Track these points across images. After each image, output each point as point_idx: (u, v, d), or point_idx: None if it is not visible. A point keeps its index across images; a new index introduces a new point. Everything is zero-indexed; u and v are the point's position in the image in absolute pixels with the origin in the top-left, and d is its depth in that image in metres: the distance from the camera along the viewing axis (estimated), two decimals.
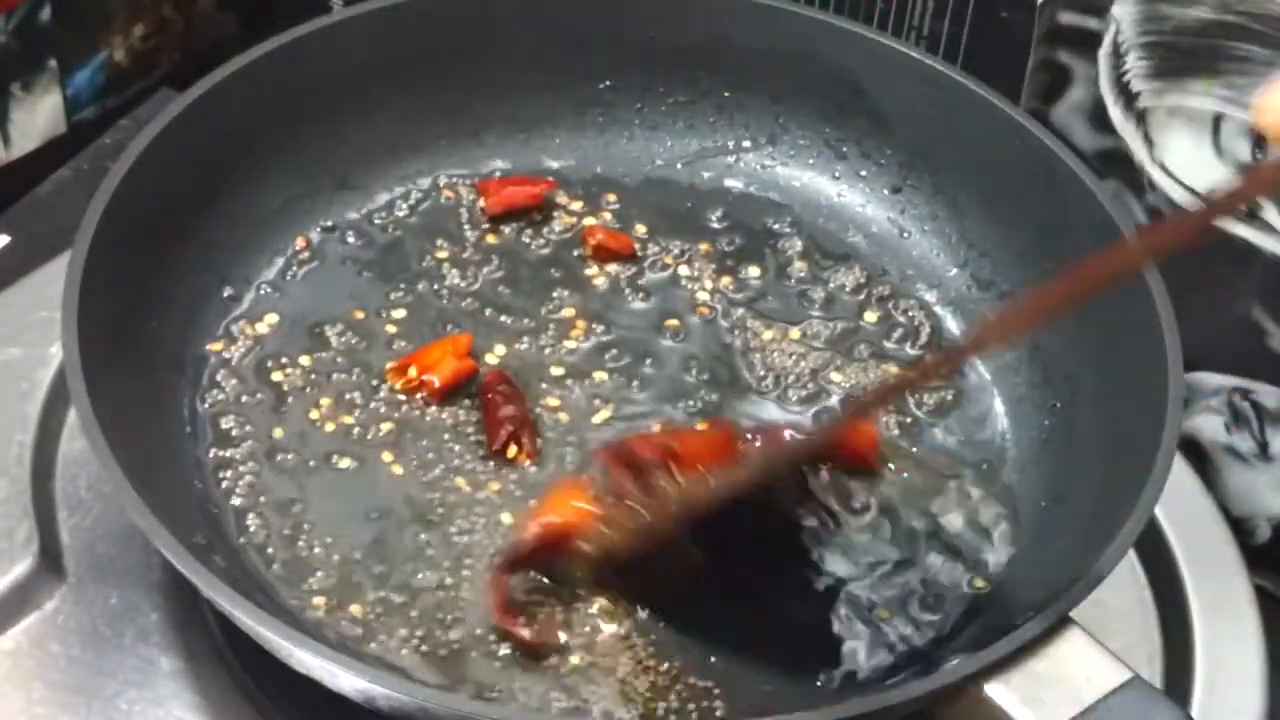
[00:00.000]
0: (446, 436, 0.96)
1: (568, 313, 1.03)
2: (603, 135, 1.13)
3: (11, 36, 1.14)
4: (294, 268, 1.04)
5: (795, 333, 1.04)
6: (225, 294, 1.01)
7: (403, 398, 0.97)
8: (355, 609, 0.88)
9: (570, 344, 1.02)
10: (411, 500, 0.93)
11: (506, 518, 0.92)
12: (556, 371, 1.00)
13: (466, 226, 1.08)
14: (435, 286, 1.04)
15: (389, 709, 0.78)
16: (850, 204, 1.11)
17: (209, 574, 0.79)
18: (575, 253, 1.07)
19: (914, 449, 0.98)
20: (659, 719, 0.84)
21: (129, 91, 1.27)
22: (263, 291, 1.02)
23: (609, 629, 0.87)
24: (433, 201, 1.09)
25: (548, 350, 1.01)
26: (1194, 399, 1.12)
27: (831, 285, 1.07)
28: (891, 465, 0.97)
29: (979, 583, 0.93)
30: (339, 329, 1.01)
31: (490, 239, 1.07)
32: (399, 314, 1.02)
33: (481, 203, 1.08)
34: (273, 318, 1.01)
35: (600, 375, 1.00)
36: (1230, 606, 1.00)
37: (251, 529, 0.91)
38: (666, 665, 0.86)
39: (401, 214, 1.08)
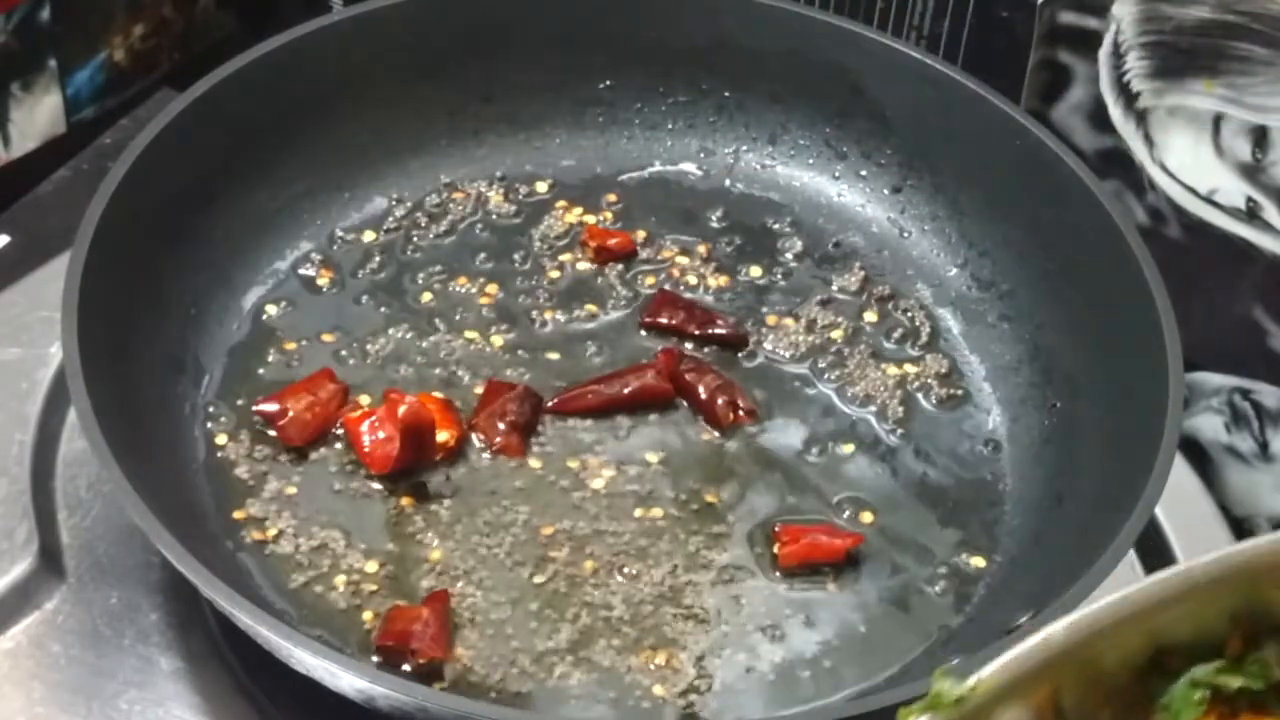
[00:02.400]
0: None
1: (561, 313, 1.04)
2: (603, 135, 1.13)
3: (11, 36, 1.14)
4: (296, 268, 1.04)
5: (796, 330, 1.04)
6: (225, 294, 1.01)
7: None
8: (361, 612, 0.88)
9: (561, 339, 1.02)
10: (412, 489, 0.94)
11: (523, 511, 0.93)
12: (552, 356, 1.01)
13: (467, 227, 1.08)
14: (435, 284, 1.04)
15: (389, 709, 0.78)
16: (850, 204, 1.11)
17: (209, 574, 0.79)
18: (576, 253, 1.07)
19: (914, 450, 0.98)
20: None
21: (129, 91, 1.27)
22: (263, 292, 1.02)
23: None
24: (432, 201, 1.09)
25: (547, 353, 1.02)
26: (1194, 399, 1.12)
27: (832, 285, 1.07)
28: (895, 470, 0.97)
29: (978, 582, 0.93)
30: (341, 330, 1.02)
31: (491, 238, 1.08)
32: (399, 314, 1.03)
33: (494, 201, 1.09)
34: (273, 317, 1.02)
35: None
36: None
37: (252, 528, 0.92)
38: None
39: (401, 213, 1.08)
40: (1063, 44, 1.08)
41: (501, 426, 0.95)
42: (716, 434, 0.98)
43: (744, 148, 1.13)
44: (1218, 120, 1.03)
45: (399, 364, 1.00)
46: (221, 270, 1.01)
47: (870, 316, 1.05)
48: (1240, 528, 1.10)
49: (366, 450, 0.92)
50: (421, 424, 0.92)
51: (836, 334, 1.04)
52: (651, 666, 0.87)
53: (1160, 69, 1.04)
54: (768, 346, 1.03)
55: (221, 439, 0.95)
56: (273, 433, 0.95)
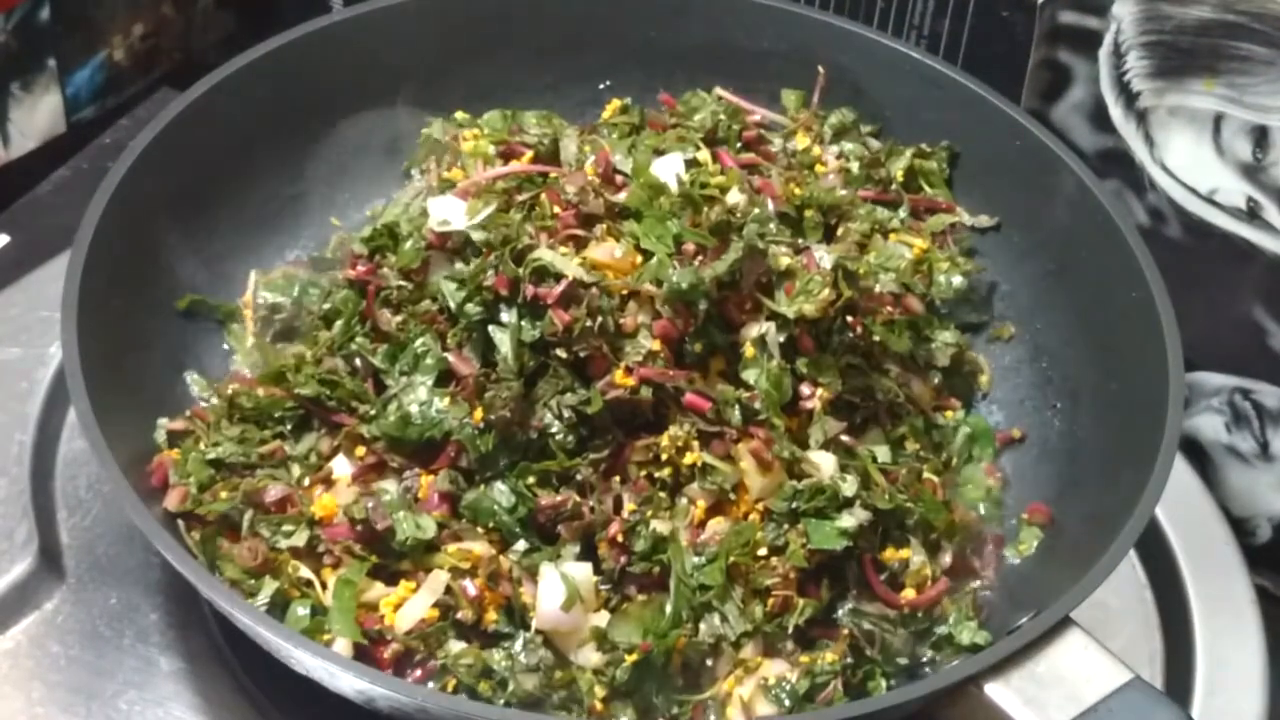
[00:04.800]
0: None
1: None
2: None
3: (11, 36, 1.14)
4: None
5: None
6: (225, 294, 1.01)
7: None
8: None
9: None
10: None
11: None
12: None
13: None
14: None
15: (388, 709, 0.78)
16: None
17: (208, 574, 0.79)
18: None
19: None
20: None
21: (129, 91, 1.27)
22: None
23: None
24: None
25: None
26: (1195, 399, 1.12)
27: None
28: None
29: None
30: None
31: None
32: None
33: None
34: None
35: None
36: (1231, 606, 1.00)
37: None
38: None
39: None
40: (1063, 43, 1.08)
41: None
42: None
43: None
44: (1218, 120, 1.03)
45: None
46: (221, 270, 1.01)
47: None
48: (1240, 528, 1.10)
49: None
50: None
51: None
52: None
53: (1161, 69, 1.04)
54: None
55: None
56: None
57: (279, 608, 0.83)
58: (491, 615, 0.83)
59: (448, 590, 0.83)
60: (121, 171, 0.93)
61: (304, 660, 0.77)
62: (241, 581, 0.83)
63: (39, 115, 1.20)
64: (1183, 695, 0.96)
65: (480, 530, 0.85)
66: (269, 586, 0.83)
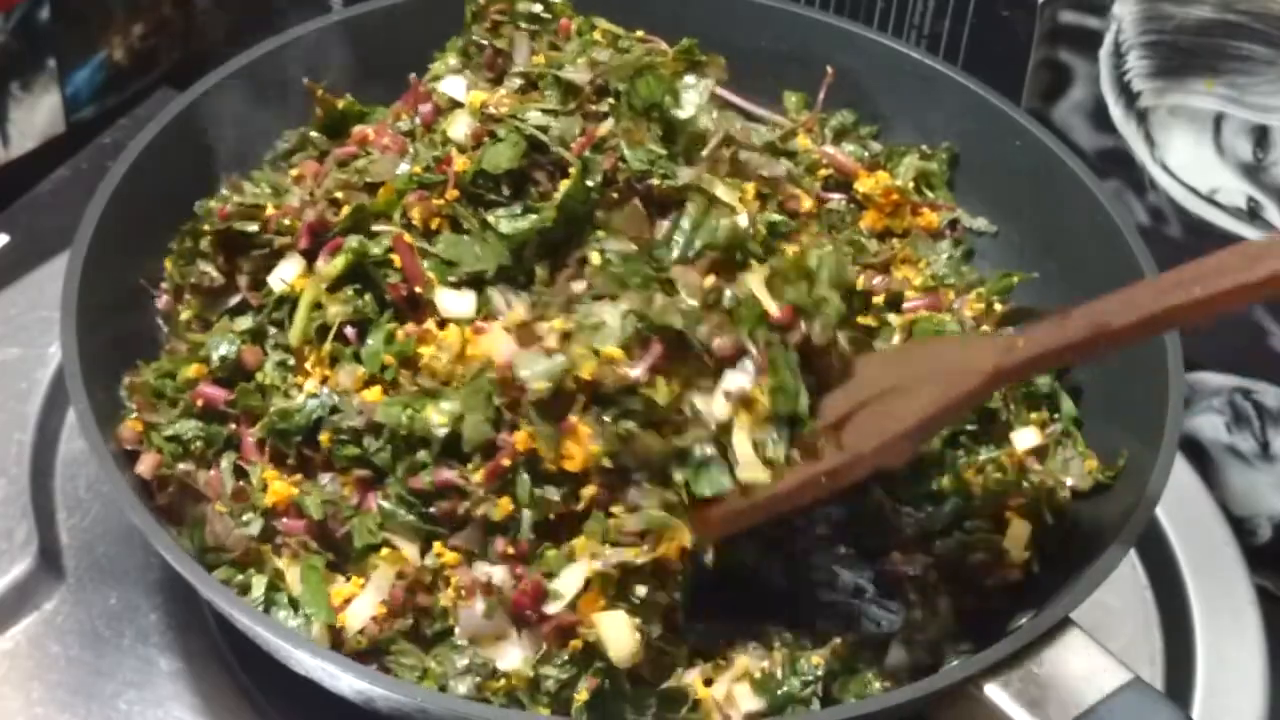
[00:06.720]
0: None
1: None
2: None
3: (11, 36, 1.14)
4: None
5: None
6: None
7: None
8: None
9: None
10: None
11: None
12: None
13: None
14: None
15: (387, 709, 0.78)
16: None
17: (208, 574, 0.79)
18: None
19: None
20: None
21: (128, 90, 1.27)
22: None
23: None
24: None
25: None
26: (1195, 399, 1.12)
27: None
28: None
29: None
30: None
31: None
32: None
33: None
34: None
35: None
36: (1231, 607, 1.00)
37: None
38: None
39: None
40: (1063, 43, 1.08)
41: None
42: None
43: None
44: (1219, 120, 1.03)
45: None
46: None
47: None
48: (1241, 527, 1.10)
49: None
50: None
51: None
52: None
53: (1161, 68, 1.04)
54: None
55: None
56: None
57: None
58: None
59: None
60: (121, 171, 0.93)
61: (304, 660, 0.77)
62: (231, 579, 0.83)
63: (39, 115, 1.20)
64: (1183, 695, 0.96)
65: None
66: (260, 581, 0.82)
